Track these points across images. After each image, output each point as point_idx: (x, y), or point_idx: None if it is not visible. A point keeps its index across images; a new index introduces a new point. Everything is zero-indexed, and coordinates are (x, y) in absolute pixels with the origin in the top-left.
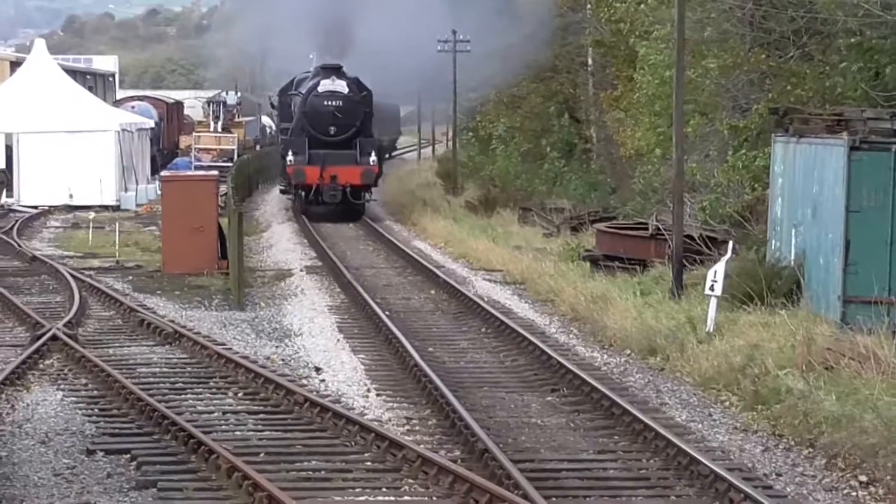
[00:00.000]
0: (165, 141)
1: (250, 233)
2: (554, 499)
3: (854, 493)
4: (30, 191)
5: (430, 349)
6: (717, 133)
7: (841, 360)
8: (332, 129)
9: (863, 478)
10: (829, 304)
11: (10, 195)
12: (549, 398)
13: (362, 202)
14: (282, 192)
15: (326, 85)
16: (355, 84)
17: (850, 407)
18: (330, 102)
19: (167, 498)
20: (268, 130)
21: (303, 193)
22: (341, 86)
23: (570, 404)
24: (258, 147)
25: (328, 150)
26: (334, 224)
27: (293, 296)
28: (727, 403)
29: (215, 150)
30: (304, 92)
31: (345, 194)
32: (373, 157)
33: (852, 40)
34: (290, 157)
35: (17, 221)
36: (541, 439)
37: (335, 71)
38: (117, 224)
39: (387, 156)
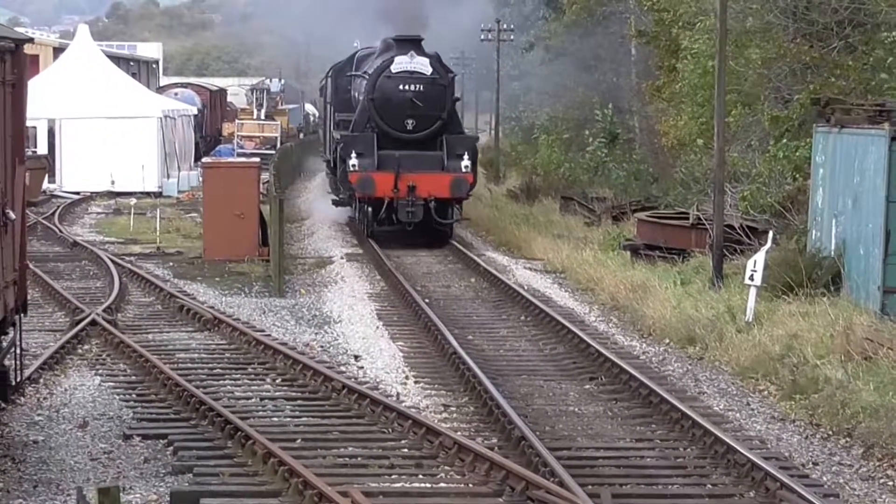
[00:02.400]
0: (208, 128)
1: (291, 220)
2: (590, 486)
3: (891, 483)
4: (72, 177)
5: (470, 337)
6: (759, 123)
7: (880, 350)
8: (411, 123)
9: None
10: (869, 295)
11: (52, 181)
12: (587, 386)
13: (450, 222)
14: (336, 203)
15: (402, 63)
16: (439, 63)
17: (888, 397)
18: (408, 87)
19: (203, 483)
20: (311, 118)
21: (370, 209)
22: (422, 64)
23: (608, 393)
24: (301, 135)
25: (405, 150)
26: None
27: (333, 283)
28: (765, 393)
29: (258, 137)
30: (370, 73)
31: (427, 211)
32: (465, 161)
33: (895, 34)
34: (353, 161)
35: (58, 207)
36: (578, 427)
37: (413, 45)
38: (158, 210)
39: None
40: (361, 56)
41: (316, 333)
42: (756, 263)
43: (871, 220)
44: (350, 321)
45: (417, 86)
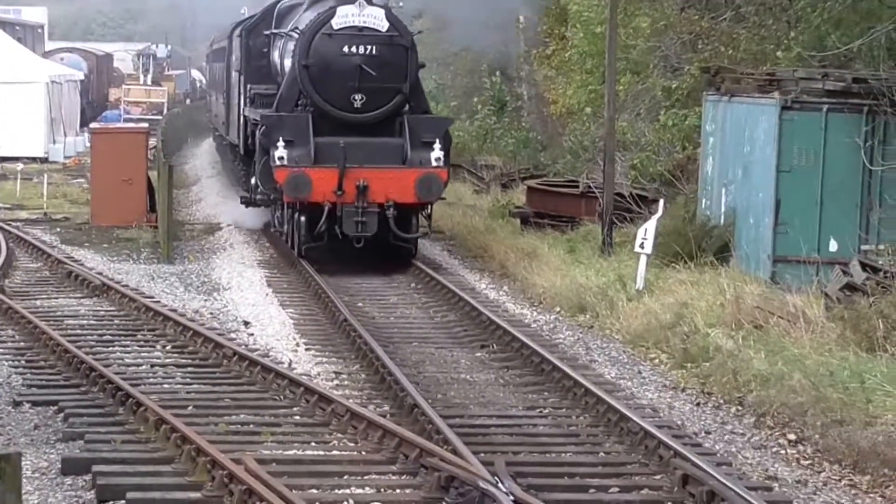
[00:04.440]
0: (95, 93)
1: (179, 186)
2: (482, 454)
3: (783, 451)
4: None
5: (360, 304)
6: (648, 92)
7: (770, 318)
8: (360, 99)
9: (791, 436)
10: (759, 264)
11: None
12: (478, 354)
13: (415, 236)
14: (245, 203)
15: (348, 15)
16: (394, 17)
17: (778, 366)
18: (355, 48)
19: (95, 450)
20: (198, 84)
21: (302, 219)
22: (376, 17)
23: (499, 360)
24: (188, 101)
25: (352, 137)
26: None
27: (222, 250)
28: (656, 361)
29: (145, 103)
30: (302, 30)
31: (383, 221)
32: (436, 151)
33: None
34: (279, 152)
35: None
36: (470, 395)
37: None
38: (45, 176)
39: None
40: (284, 8)
41: (205, 300)
42: (646, 231)
43: (762, 190)
44: (239, 288)
45: (369, 47)
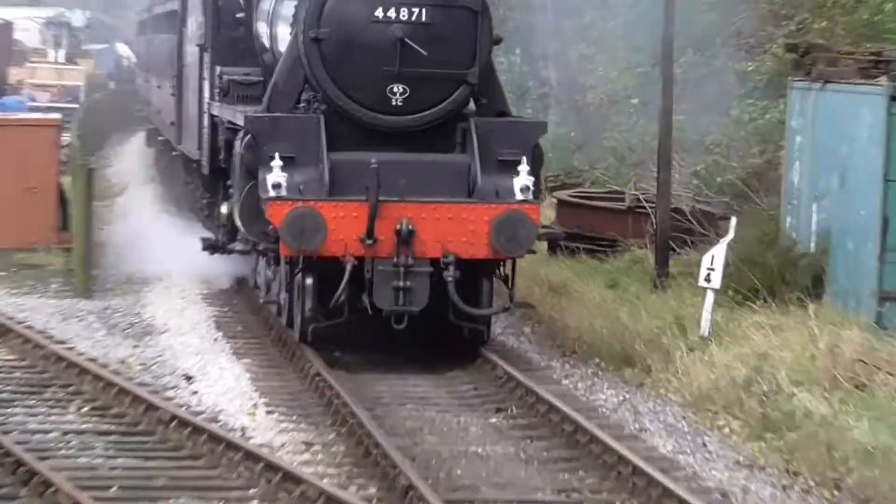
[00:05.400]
0: None
1: (101, 197)
2: None
3: None
4: None
5: (338, 353)
6: (717, 76)
7: (875, 375)
8: (401, 93)
9: None
10: (861, 302)
11: None
12: (492, 420)
13: (490, 312)
14: (210, 249)
15: None
16: None
17: (885, 437)
18: (393, 13)
19: None
20: (125, 62)
21: (309, 283)
22: None
23: (520, 428)
24: (113, 84)
25: (387, 151)
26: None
27: (157, 280)
28: (727, 430)
29: (56, 86)
30: None
31: (438, 287)
32: (523, 175)
33: None
34: (273, 176)
35: None
36: (482, 473)
37: None
38: None
39: None
40: None
41: (135, 347)
42: (714, 260)
43: (864, 205)
44: (180, 331)
45: (416, 11)
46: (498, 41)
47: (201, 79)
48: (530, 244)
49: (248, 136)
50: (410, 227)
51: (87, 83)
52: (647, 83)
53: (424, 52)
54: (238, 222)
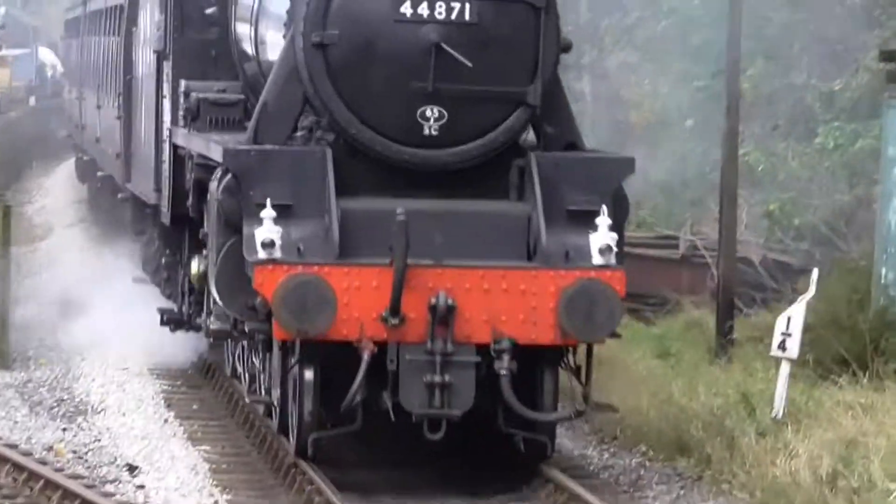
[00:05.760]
0: None
1: (21, 241)
2: None
3: None
4: None
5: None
6: (794, 93)
7: None
8: (435, 118)
9: None
10: None
11: None
12: None
13: (554, 417)
14: (172, 323)
15: None
16: None
17: None
18: (425, 8)
19: None
20: (49, 72)
21: (309, 377)
22: None
23: None
24: (33, 99)
25: (417, 196)
26: None
27: (91, 345)
28: None
29: None
30: None
31: (486, 383)
32: (602, 231)
33: None
34: (263, 231)
35: None
36: None
37: None
38: None
39: None
40: None
41: (65, 430)
42: (790, 323)
43: None
44: (120, 409)
45: (457, 6)
46: (567, 48)
47: (159, 96)
48: (614, 325)
49: (229, 175)
50: (450, 301)
51: (1, 98)
52: (707, 100)
53: (468, 63)
54: (214, 292)
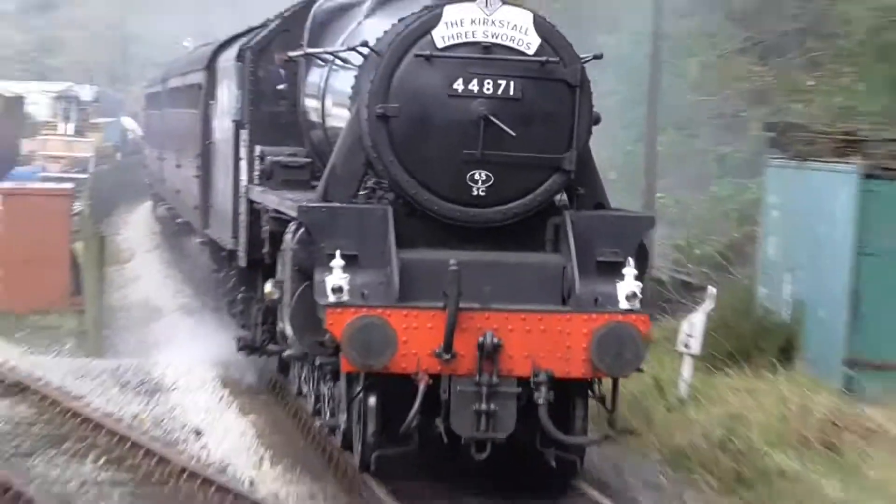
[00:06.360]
0: (2, 145)
1: (111, 262)
2: None
3: None
4: None
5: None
6: (696, 154)
7: (844, 436)
8: (483, 181)
9: None
10: (831, 368)
11: None
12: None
13: (583, 441)
14: (247, 349)
15: (464, 23)
16: (549, 28)
17: (855, 493)
18: (475, 85)
19: None
20: (129, 135)
21: (373, 403)
22: (515, 27)
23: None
24: (119, 155)
25: (467, 249)
26: None
27: (165, 341)
28: (703, 486)
29: (65, 157)
30: (373, 48)
31: (527, 411)
32: (629, 280)
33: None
34: (333, 278)
35: None
36: None
37: None
38: None
39: None
40: (324, 12)
41: (146, 403)
42: (693, 327)
43: (836, 277)
44: (188, 388)
45: (503, 83)
46: (597, 120)
47: (237, 158)
48: (638, 363)
49: (302, 229)
50: (496, 340)
51: (95, 154)
52: (629, 159)
53: (512, 133)
54: (288, 330)
